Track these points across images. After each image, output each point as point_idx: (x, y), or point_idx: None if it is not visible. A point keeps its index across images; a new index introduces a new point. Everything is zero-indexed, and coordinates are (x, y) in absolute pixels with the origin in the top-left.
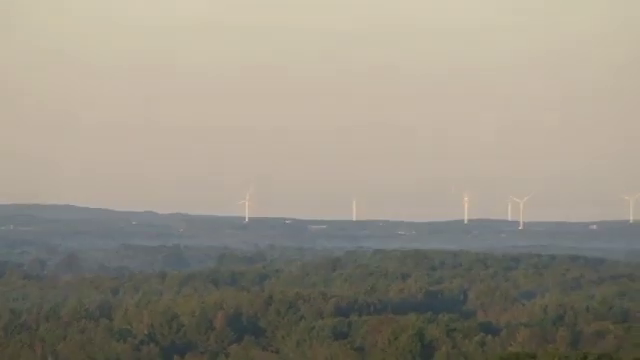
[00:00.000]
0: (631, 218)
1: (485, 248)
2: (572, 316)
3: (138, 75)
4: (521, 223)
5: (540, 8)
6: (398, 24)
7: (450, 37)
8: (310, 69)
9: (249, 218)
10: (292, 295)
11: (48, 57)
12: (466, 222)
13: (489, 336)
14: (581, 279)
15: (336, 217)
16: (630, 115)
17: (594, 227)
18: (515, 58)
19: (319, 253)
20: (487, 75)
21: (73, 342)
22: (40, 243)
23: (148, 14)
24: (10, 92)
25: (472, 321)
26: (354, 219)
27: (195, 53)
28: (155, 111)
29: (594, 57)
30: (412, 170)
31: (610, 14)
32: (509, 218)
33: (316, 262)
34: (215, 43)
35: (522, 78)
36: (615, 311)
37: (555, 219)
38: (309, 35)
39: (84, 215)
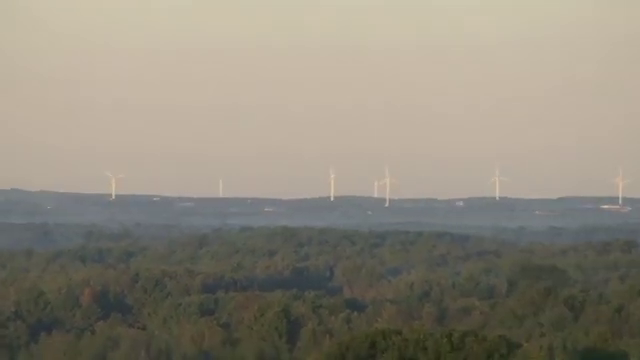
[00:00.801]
0: (497, 195)
1: (352, 225)
2: (438, 292)
3: None
4: (387, 200)
5: None
6: None
7: None
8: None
9: (116, 195)
10: (158, 272)
11: None
12: (333, 199)
13: (355, 313)
14: (447, 256)
15: (203, 194)
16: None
17: (461, 204)
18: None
19: (186, 230)
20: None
21: None
22: None
23: None
24: None
25: (338, 298)
26: (221, 196)
27: None
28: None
29: None
30: (278, 147)
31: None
32: (375, 195)
33: (183, 239)
34: None
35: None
36: (481, 287)
37: (422, 196)
38: None
39: None
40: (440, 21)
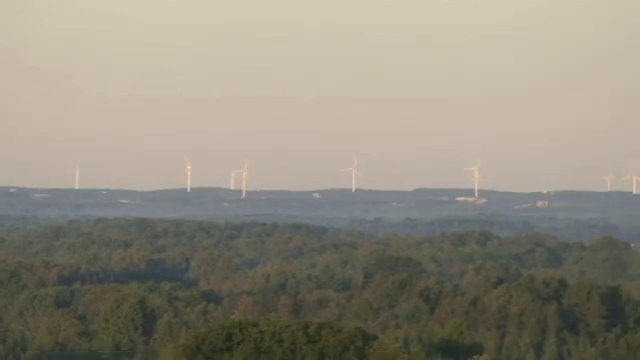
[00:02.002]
0: (354, 187)
1: (208, 217)
2: (294, 284)
3: None
4: (244, 192)
5: None
6: None
7: None
8: None
9: None
10: (14, 264)
11: None
12: (189, 190)
13: (211, 304)
14: (303, 247)
15: (59, 185)
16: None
17: (317, 195)
18: None
19: (42, 222)
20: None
21: None
22: None
23: None
24: None
25: (194, 289)
26: (77, 187)
27: None
28: None
29: None
30: (134, 138)
31: None
32: (232, 187)
33: (39, 231)
34: None
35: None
36: (337, 279)
37: (278, 187)
38: None
39: None
40: None
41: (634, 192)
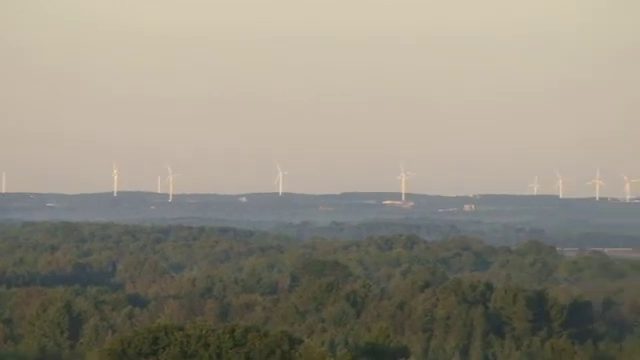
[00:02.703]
0: (280, 191)
1: (135, 220)
2: (221, 288)
3: None
4: (171, 195)
5: None
6: None
7: None
8: None
9: None
10: None
11: None
12: (115, 194)
13: (137, 308)
14: (230, 251)
15: None
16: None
17: (244, 199)
18: None
19: None
20: None
21: None
22: None
23: None
24: None
25: (120, 293)
26: (4, 191)
27: None
28: None
29: None
30: (61, 141)
31: None
32: (159, 190)
33: None
34: None
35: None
36: (264, 283)
37: (205, 191)
38: None
39: None
40: None
41: (560, 196)
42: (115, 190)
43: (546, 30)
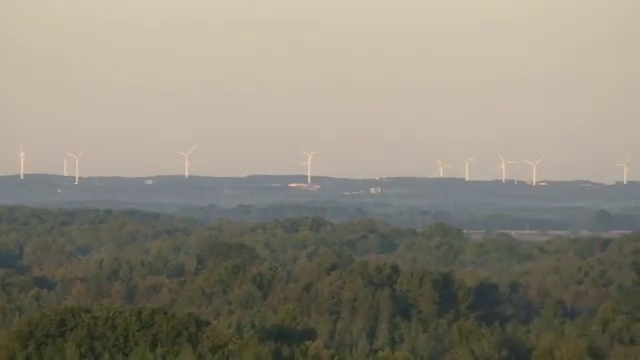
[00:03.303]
0: (186, 173)
1: (42, 203)
2: (127, 270)
3: None
4: (77, 178)
5: None
6: None
7: None
8: None
9: None
10: None
11: None
12: (22, 177)
13: (44, 290)
14: (137, 233)
15: None
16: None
17: (150, 182)
18: None
19: None
20: None
21: None
22: None
23: None
24: None
25: (27, 275)
26: None
27: None
28: None
29: None
30: None
31: None
32: (65, 173)
33: None
34: None
35: None
36: (170, 265)
37: (112, 174)
38: None
39: None
40: None
41: (466, 179)
42: (22, 173)
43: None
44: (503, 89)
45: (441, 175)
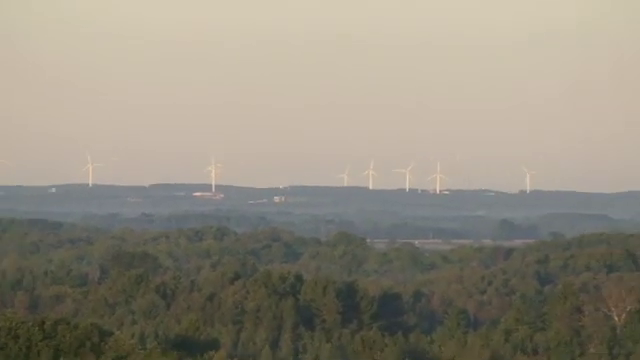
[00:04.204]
0: (90, 182)
1: None
2: (30, 280)
3: None
4: None
5: None
6: None
7: None
8: None
9: None
10: None
11: None
12: None
13: None
14: (40, 243)
15: None
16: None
17: (53, 190)
18: None
19: None
20: None
21: None
22: None
23: None
24: None
25: None
26: None
27: None
28: None
29: None
30: None
31: None
32: None
33: None
34: None
35: None
36: (73, 275)
37: (13, 183)
38: None
39: None
40: None
41: (370, 187)
42: None
43: None
44: (405, 98)
45: (345, 184)
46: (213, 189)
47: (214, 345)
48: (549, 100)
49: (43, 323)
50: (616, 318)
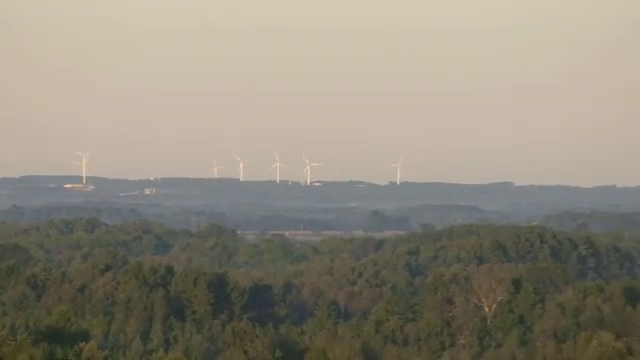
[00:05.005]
0: None
1: None
2: None
3: None
4: None
5: None
6: None
7: None
8: None
9: None
10: None
11: None
12: None
13: None
14: None
15: None
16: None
17: None
18: None
19: None
20: None
21: None
22: None
23: None
24: None
25: None
26: None
27: None
28: None
29: None
30: None
31: None
32: None
33: None
34: None
35: None
36: None
37: None
38: None
39: None
40: None
41: (241, 179)
42: None
43: None
44: (275, 90)
45: (216, 176)
46: (84, 181)
47: (85, 336)
48: (407, 94)
49: None
50: (486, 309)
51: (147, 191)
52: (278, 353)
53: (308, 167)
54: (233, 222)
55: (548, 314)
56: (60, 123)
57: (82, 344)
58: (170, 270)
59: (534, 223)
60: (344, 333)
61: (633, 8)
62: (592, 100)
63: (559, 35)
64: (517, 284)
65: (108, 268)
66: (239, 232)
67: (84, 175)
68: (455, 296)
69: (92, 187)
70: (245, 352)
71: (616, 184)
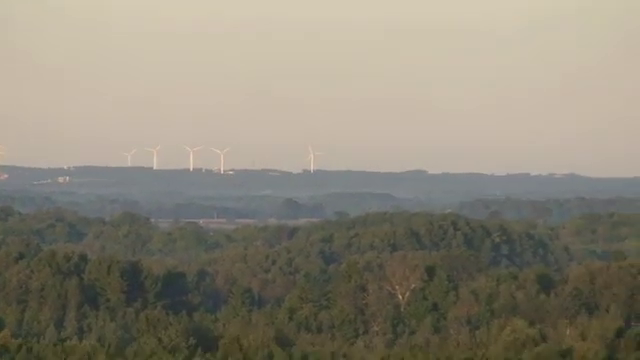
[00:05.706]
0: None
1: None
2: None
3: None
4: None
5: None
6: None
7: None
8: None
9: None
10: None
11: None
12: None
13: None
14: None
15: None
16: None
17: None
18: None
19: None
20: None
21: None
22: None
23: None
24: None
25: None
26: None
27: None
28: None
29: None
30: None
31: None
32: None
33: None
34: None
35: None
36: None
37: None
38: None
39: None
40: None
41: (155, 167)
42: None
43: None
44: (198, 84)
45: (129, 164)
46: None
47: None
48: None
49: None
50: (400, 296)
51: (60, 179)
52: (192, 340)
53: (222, 154)
54: (147, 210)
55: (461, 301)
56: None
57: None
58: (84, 258)
59: (448, 211)
60: (258, 320)
61: None
62: (488, 86)
63: None
64: (430, 271)
65: (22, 256)
66: (153, 220)
67: None
68: (369, 283)
69: (6, 175)
70: (159, 339)
71: (530, 172)
